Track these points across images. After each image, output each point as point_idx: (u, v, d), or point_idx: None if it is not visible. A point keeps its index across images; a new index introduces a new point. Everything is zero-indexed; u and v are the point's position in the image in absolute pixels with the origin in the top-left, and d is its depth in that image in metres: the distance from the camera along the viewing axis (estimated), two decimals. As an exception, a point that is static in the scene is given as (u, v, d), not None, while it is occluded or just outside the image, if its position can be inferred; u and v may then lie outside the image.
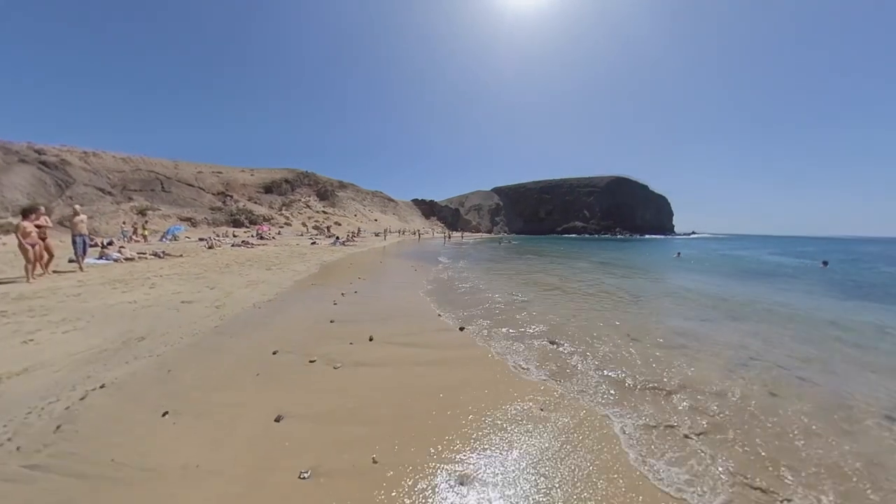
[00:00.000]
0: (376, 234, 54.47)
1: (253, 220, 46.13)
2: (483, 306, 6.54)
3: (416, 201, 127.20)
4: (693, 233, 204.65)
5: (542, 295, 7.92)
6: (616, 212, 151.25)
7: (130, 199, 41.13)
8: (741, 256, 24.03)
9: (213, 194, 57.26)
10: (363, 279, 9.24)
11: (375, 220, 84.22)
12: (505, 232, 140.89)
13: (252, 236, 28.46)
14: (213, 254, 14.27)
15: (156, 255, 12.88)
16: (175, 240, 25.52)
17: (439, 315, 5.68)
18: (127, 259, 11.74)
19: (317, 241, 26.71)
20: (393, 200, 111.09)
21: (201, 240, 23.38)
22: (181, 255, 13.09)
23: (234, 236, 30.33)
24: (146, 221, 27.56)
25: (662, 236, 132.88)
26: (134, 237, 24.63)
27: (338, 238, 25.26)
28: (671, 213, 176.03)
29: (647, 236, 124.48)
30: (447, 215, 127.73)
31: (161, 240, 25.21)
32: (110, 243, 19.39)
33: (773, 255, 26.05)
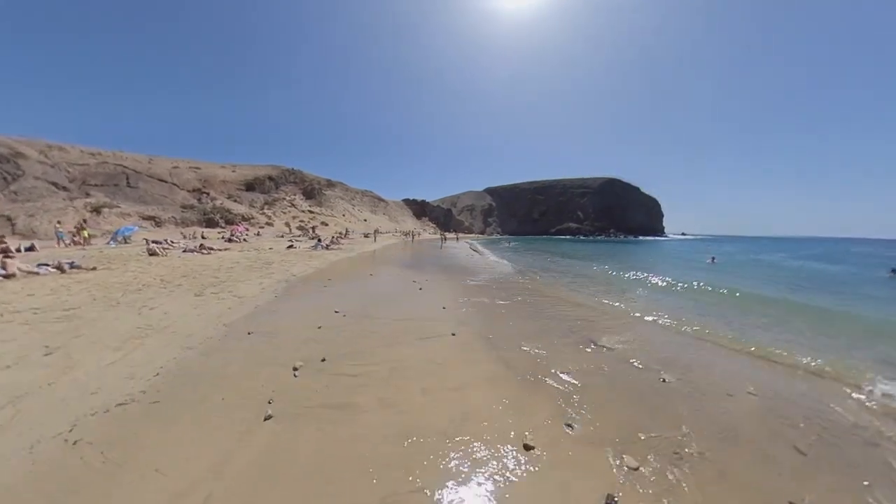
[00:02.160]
0: (366, 235, 50.94)
1: (230, 220, 42.13)
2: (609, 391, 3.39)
3: (407, 201, 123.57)
4: (683, 234, 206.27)
5: (688, 355, 4.79)
6: (609, 213, 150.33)
7: (88, 194, 36.79)
8: (776, 263, 21.37)
9: (188, 191, 53.08)
10: (342, 314, 5.96)
11: (365, 220, 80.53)
12: (498, 233, 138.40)
13: (223, 238, 24.70)
14: (147, 264, 10.77)
15: (58, 268, 9.34)
16: (126, 242, 21.73)
17: (530, 448, 2.44)
18: (6, 277, 8.23)
19: (296, 243, 23.15)
20: (383, 200, 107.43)
21: (155, 242, 19.68)
22: (94, 268, 9.57)
23: (204, 237, 26.51)
24: (84, 221, 23.45)
25: (654, 238, 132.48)
26: (76, 239, 20.73)
27: (319, 240, 21.71)
28: (661, 215, 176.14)
29: (640, 238, 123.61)
30: (439, 216, 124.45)
31: (108, 243, 21.41)
32: (29, 249, 15.62)
33: (804, 261, 23.67)
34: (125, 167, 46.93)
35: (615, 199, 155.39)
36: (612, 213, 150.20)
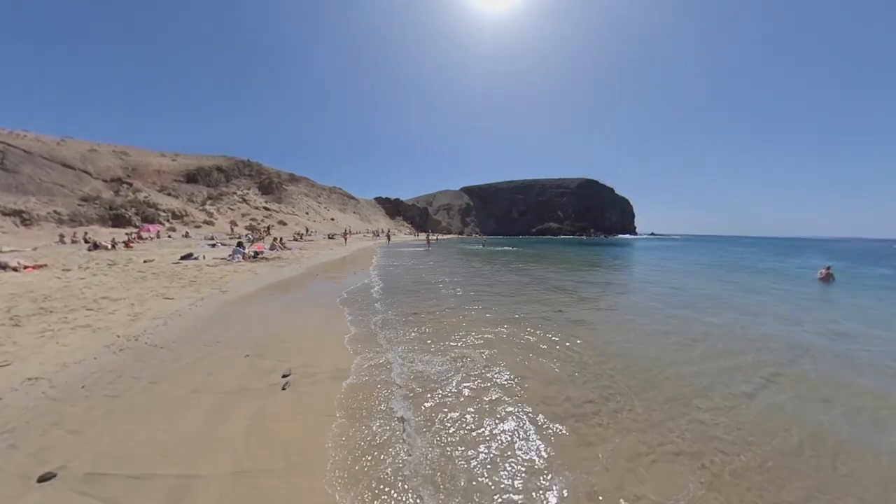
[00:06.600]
0: (330, 237, 42.67)
1: (149, 217, 32.92)
2: None
3: (379, 200, 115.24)
4: (652, 234, 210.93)
5: None
6: (587, 213, 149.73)
7: (-70, 181, 26.62)
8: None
9: (105, 181, 42.70)
10: None
11: (332, 219, 71.77)
12: (476, 233, 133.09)
13: (114, 241, 16.31)
14: None
15: None
16: None
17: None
18: None
19: (202, 252, 15.28)
20: (353, 198, 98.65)
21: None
22: None
23: (86, 241, 18.06)
24: None
25: (630, 236, 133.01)
26: None
27: (240, 247, 13.74)
28: (633, 215, 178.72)
29: (619, 237, 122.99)
30: (414, 215, 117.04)
31: None
32: None
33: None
34: (9, 145, 35.98)
35: (592, 200, 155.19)
36: (591, 213, 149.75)
